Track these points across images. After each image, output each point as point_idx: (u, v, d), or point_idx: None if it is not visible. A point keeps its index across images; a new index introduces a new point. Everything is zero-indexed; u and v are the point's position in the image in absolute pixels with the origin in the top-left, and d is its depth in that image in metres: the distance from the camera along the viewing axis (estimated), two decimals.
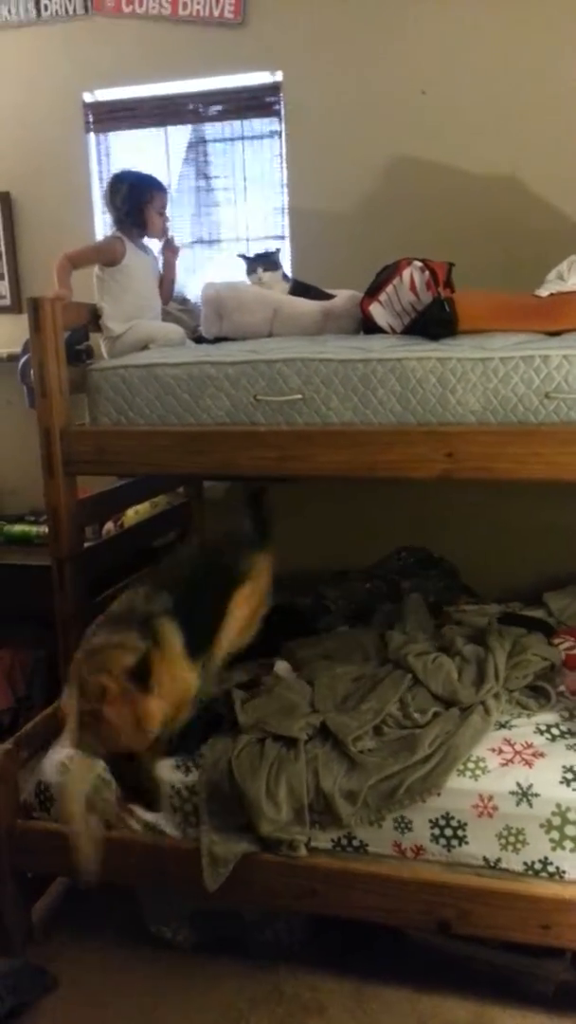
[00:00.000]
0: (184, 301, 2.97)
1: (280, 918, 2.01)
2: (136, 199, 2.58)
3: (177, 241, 2.81)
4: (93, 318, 2.54)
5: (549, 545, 3.01)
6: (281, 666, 2.34)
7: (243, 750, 1.93)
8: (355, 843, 1.87)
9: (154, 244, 2.72)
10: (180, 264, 2.86)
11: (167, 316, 2.74)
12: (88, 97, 3.30)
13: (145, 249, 2.66)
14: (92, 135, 3.34)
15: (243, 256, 2.68)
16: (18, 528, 3.23)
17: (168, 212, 2.69)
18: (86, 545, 2.52)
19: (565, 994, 1.87)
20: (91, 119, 3.32)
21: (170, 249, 2.76)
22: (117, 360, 2.34)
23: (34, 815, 2.08)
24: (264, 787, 1.85)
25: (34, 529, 3.18)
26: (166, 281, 2.76)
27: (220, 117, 3.22)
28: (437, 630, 2.46)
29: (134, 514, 3.05)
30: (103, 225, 3.39)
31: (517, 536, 3.05)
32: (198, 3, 3.08)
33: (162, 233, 2.68)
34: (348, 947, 2.03)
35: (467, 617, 2.60)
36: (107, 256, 2.56)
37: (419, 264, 2.25)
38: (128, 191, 2.58)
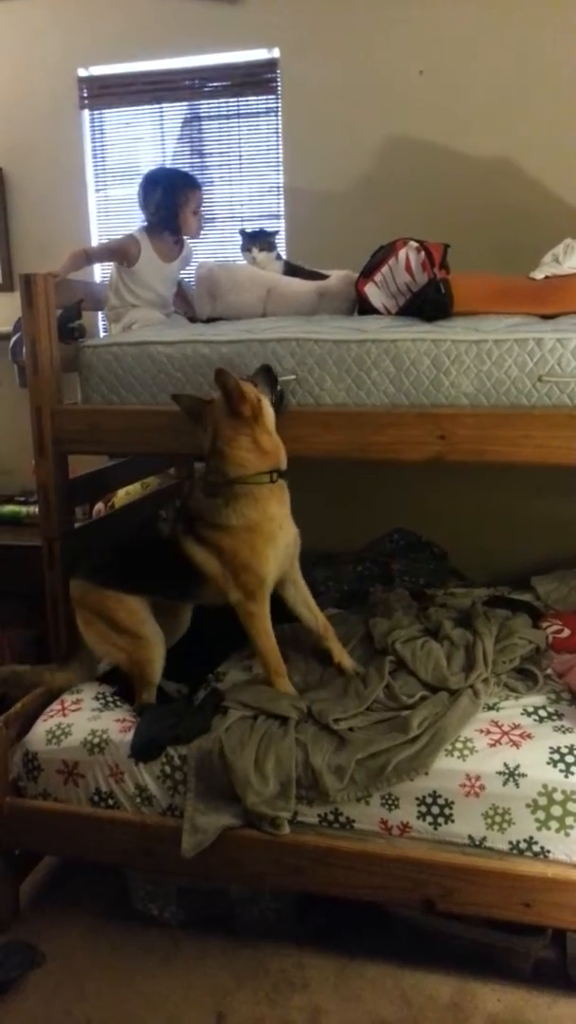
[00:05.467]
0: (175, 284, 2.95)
1: (266, 896, 2.02)
2: (172, 202, 2.56)
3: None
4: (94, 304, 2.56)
5: (537, 529, 3.02)
6: None
7: (233, 724, 1.95)
8: (341, 819, 1.87)
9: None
10: None
11: None
12: (82, 72, 3.26)
13: (166, 253, 2.63)
14: (86, 111, 3.30)
15: (242, 231, 2.67)
16: (7, 508, 3.22)
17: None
18: (76, 525, 2.51)
19: (543, 970, 1.89)
20: (85, 95, 3.28)
21: None
22: (110, 337, 2.33)
23: (20, 784, 2.09)
24: (252, 760, 1.87)
25: (24, 509, 3.17)
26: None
27: (216, 94, 3.19)
28: (422, 612, 2.47)
29: (125, 495, 3.04)
30: (96, 203, 3.36)
31: (506, 520, 3.06)
32: None
33: (197, 232, 2.66)
34: (333, 924, 2.05)
35: (453, 600, 2.61)
36: (120, 257, 2.57)
37: (415, 245, 2.24)
38: (162, 195, 2.55)
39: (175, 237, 2.60)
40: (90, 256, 2.59)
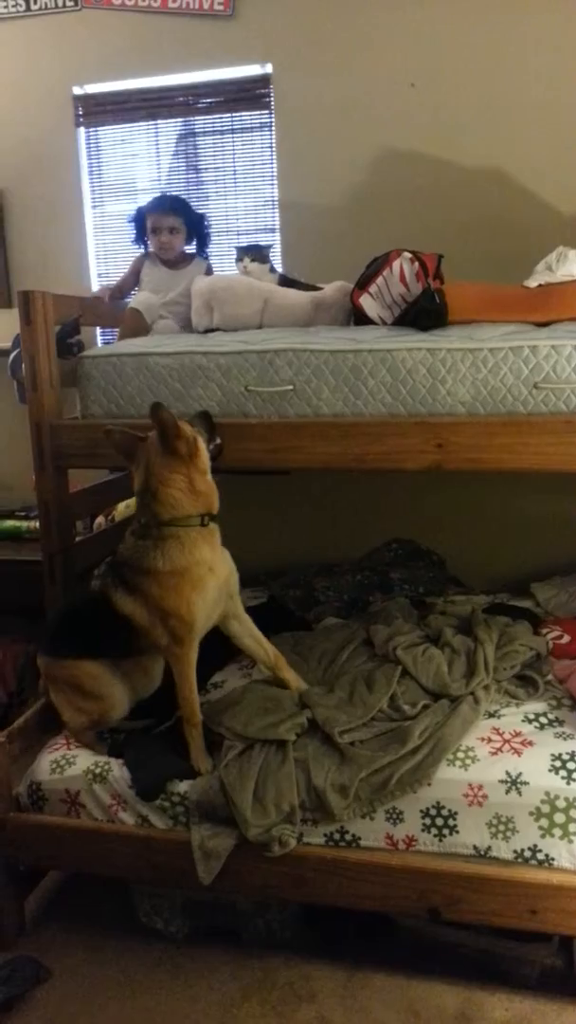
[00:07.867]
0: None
1: (272, 907, 2.01)
2: (139, 223, 2.90)
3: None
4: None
5: (536, 536, 3.03)
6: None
7: (231, 761, 1.91)
8: (348, 837, 1.87)
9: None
10: None
11: None
12: (78, 90, 3.29)
13: (171, 270, 2.86)
14: (82, 129, 3.33)
15: (237, 247, 2.70)
16: (8, 523, 3.23)
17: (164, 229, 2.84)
18: (77, 539, 2.52)
19: (550, 978, 1.88)
20: (81, 112, 3.31)
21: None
22: (109, 348, 2.35)
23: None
24: (251, 795, 1.84)
25: (24, 524, 3.18)
26: None
27: (210, 110, 3.22)
28: (422, 620, 2.47)
29: (125, 508, 3.04)
30: (93, 219, 3.39)
31: (505, 527, 3.07)
32: None
33: (159, 249, 2.85)
34: (339, 935, 2.04)
35: (453, 607, 2.61)
36: (134, 271, 2.93)
37: (409, 255, 2.26)
38: (134, 217, 2.92)
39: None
40: (122, 290, 2.93)
